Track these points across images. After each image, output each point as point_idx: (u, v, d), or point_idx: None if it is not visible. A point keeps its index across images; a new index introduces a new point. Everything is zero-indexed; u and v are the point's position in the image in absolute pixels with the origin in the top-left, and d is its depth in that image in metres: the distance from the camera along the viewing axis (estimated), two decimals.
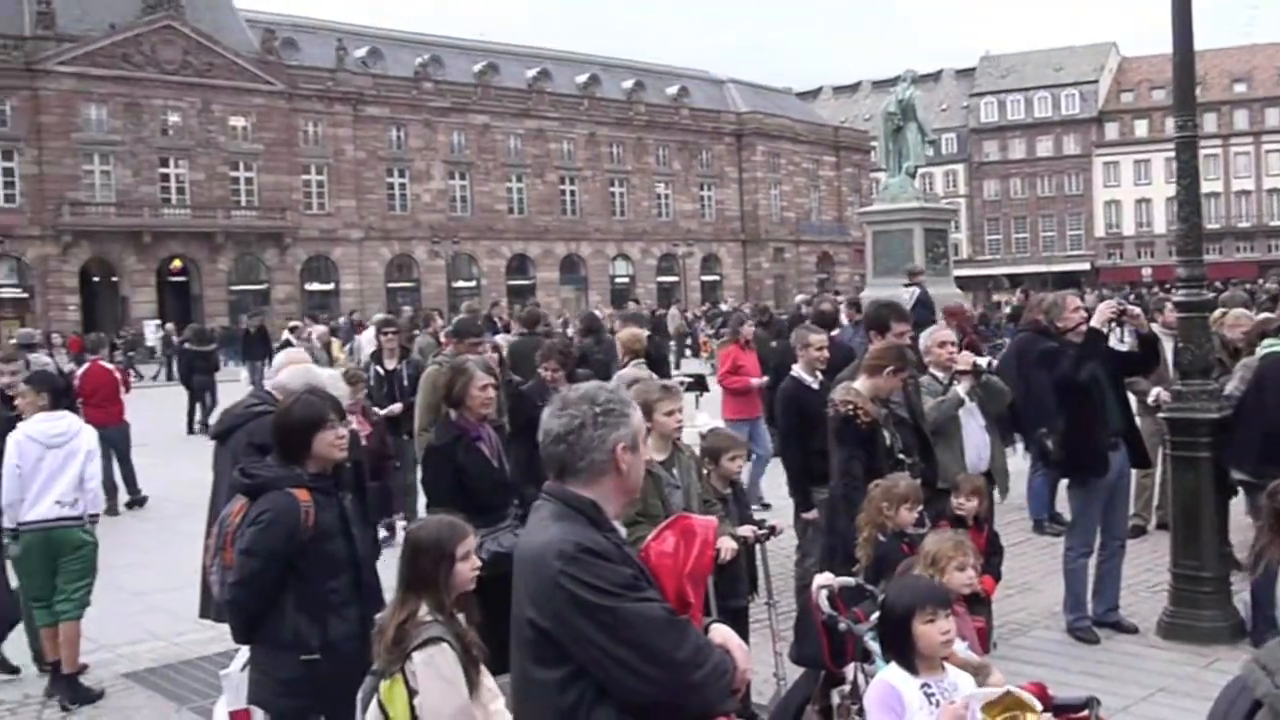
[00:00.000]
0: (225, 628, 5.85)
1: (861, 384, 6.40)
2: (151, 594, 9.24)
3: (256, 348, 24.27)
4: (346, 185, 58.40)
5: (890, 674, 3.99)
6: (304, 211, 56.77)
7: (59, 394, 7.61)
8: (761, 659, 6.18)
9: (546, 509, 2.95)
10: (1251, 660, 1.57)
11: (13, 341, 17.19)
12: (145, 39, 51.99)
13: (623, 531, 3.09)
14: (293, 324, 27.29)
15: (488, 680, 3.81)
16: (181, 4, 52.85)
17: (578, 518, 2.88)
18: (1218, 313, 9.58)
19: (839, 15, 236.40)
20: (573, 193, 67.71)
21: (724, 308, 42.30)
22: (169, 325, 44.57)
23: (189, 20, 53.10)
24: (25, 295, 49.91)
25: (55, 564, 6.99)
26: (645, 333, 11.28)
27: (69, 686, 6.87)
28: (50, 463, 6.99)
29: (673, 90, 74.75)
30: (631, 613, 2.75)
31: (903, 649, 3.98)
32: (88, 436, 7.30)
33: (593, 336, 13.20)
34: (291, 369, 6.19)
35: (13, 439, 7.06)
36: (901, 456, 6.37)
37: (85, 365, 14.38)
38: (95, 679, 7.17)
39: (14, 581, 7.08)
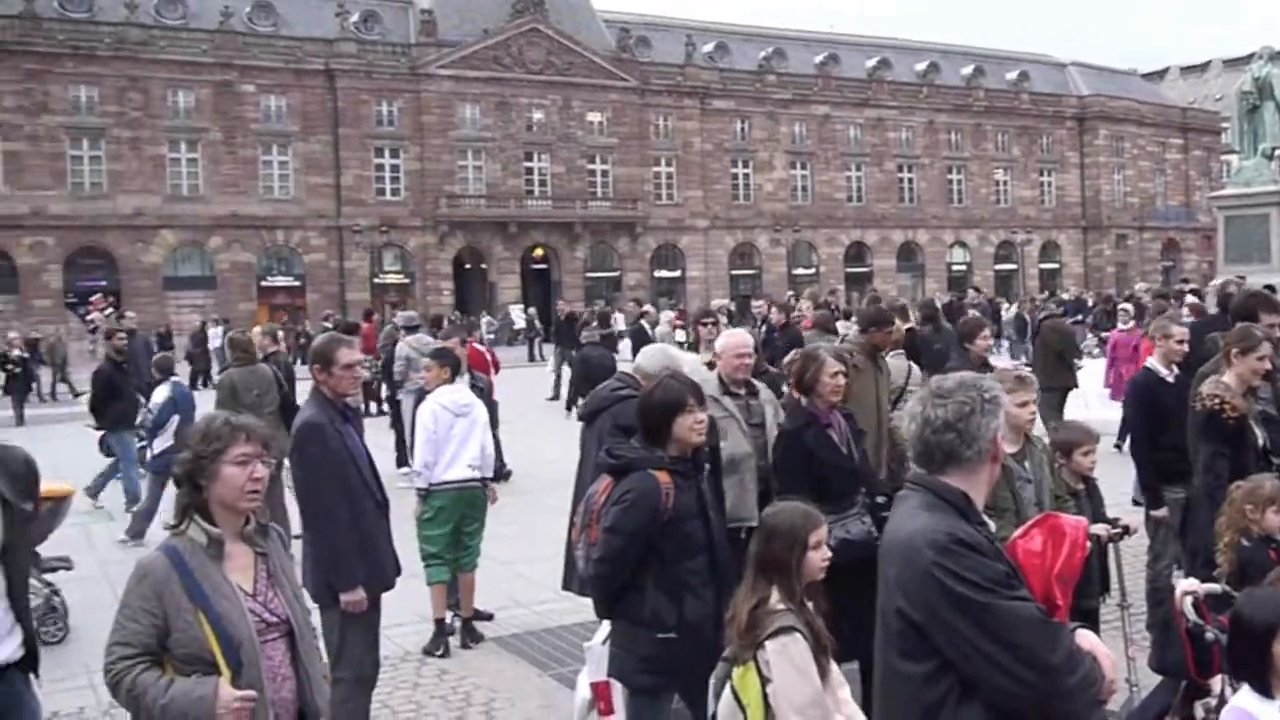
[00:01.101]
0: (586, 601, 6.14)
1: (1229, 378, 5.86)
2: (517, 563, 9.46)
3: (565, 335, 24.83)
4: (693, 176, 59.49)
5: (1244, 699, 3.57)
6: (654, 202, 58.30)
7: (457, 369, 8.20)
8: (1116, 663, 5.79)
9: (915, 498, 2.83)
10: None
11: (395, 322, 18.25)
12: (513, 41, 54.80)
13: (992, 526, 2.93)
14: (644, 309, 27.96)
15: (835, 669, 3.73)
16: (546, 7, 55.35)
17: (948, 509, 2.74)
18: None
19: None
20: (910, 180, 66.19)
21: (1065, 296, 40.18)
22: (531, 309, 46.88)
23: (552, 23, 55.59)
24: (407, 281, 53.67)
25: (459, 522, 7.51)
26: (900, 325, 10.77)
27: (467, 629, 7.48)
28: (460, 429, 7.49)
29: (1012, 75, 71.59)
30: (1006, 610, 2.61)
31: (1260, 670, 3.55)
32: (481, 408, 7.83)
33: (931, 324, 12.75)
34: (649, 351, 6.27)
35: (427, 408, 7.62)
36: (1271, 457, 5.80)
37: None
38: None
39: None
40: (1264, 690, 3.52)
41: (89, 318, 40.49)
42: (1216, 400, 5.72)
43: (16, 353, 26.40)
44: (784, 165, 62.25)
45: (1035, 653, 2.60)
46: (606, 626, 4.82)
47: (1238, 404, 5.71)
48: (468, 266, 55.11)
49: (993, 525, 2.99)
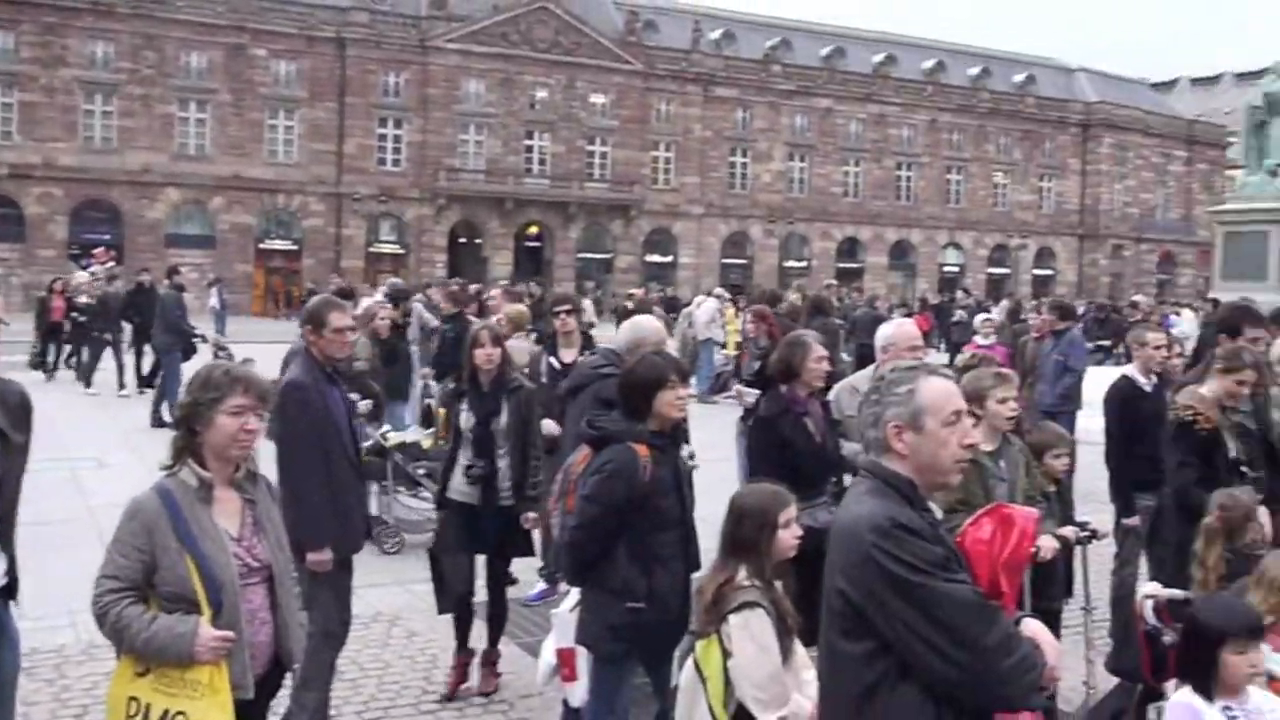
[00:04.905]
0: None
1: (1206, 390, 5.90)
2: None
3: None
4: (691, 163, 59.45)
5: (1186, 695, 3.70)
6: (650, 186, 58.23)
7: None
8: (1071, 665, 5.83)
9: (864, 484, 2.86)
10: None
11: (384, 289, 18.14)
12: (522, 19, 54.58)
13: (938, 512, 2.96)
14: (630, 291, 28.14)
15: (800, 650, 3.77)
16: None
17: (893, 494, 2.77)
18: None
19: (1203, 2, 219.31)
20: (908, 178, 66.19)
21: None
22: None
23: (562, 3, 55.40)
24: (402, 251, 53.55)
25: None
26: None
27: None
28: None
29: (1019, 78, 71.50)
30: (941, 592, 2.62)
31: (1204, 674, 3.67)
32: None
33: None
34: (625, 327, 6.40)
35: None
36: (1245, 470, 5.83)
37: None
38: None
39: None
40: (1205, 692, 3.59)
41: (90, 269, 40.55)
42: (1190, 411, 5.76)
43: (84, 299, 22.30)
44: (783, 156, 62.26)
45: (969, 634, 2.61)
46: (575, 595, 4.86)
47: (1211, 416, 5.74)
48: (462, 240, 55.03)
49: (938, 512, 3.00)
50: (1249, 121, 22.52)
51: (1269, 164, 21.60)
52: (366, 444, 7.54)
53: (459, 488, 6.15)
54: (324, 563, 5.30)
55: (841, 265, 62.55)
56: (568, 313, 8.38)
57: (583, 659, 4.81)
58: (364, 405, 8.12)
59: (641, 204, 57.44)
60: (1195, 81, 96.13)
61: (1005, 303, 30.24)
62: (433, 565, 6.33)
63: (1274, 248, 20.31)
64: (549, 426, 7.14)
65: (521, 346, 8.68)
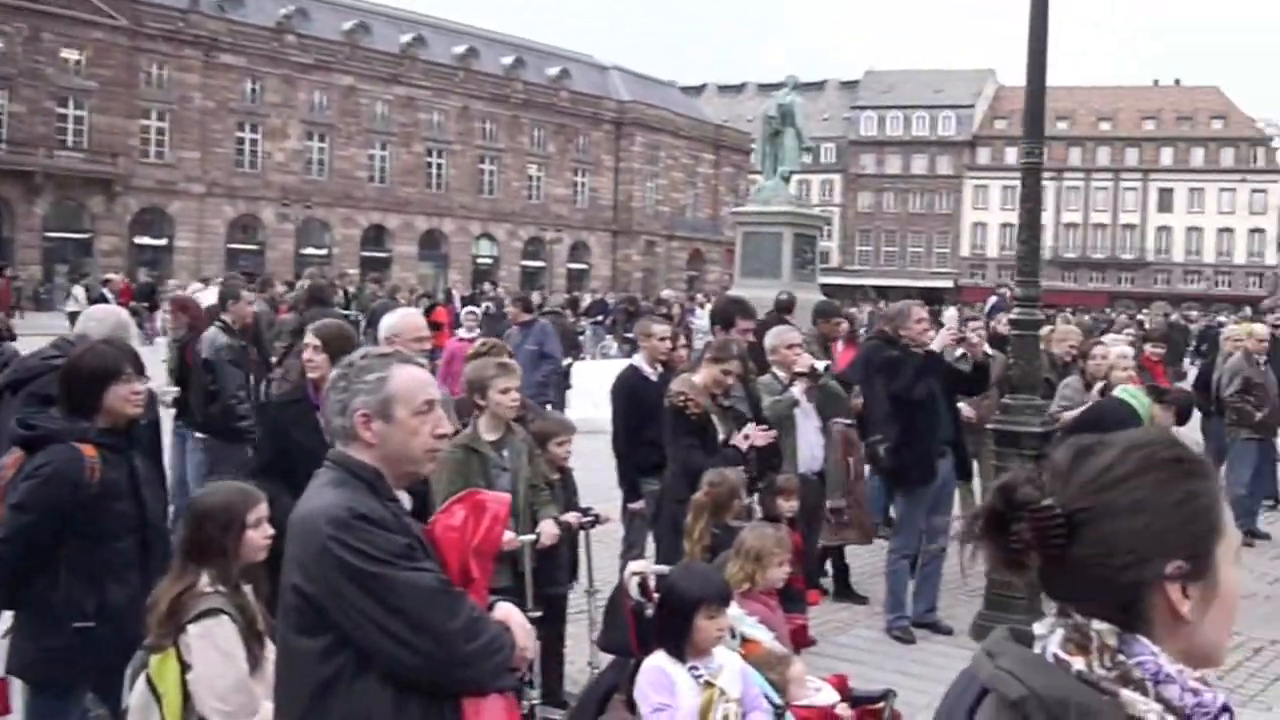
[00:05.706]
0: None
1: (698, 377, 6.71)
2: None
3: None
4: (190, 135, 56.93)
5: (659, 659, 4.27)
6: (139, 159, 55.15)
7: None
8: (579, 648, 6.39)
9: (326, 475, 2.95)
10: (980, 648, 1.65)
11: None
12: None
13: (406, 502, 3.12)
14: (106, 277, 26.96)
15: (272, 654, 3.73)
16: None
17: (358, 485, 2.89)
18: (1045, 329, 10.16)
19: (730, 14, 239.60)
20: (440, 166, 67.28)
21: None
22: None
23: None
24: None
25: None
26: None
27: None
28: None
29: (554, 71, 74.72)
30: (400, 580, 2.78)
31: (678, 637, 4.26)
32: None
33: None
34: (98, 315, 6.08)
35: None
36: (727, 448, 6.69)
37: None
38: None
39: None
40: (678, 654, 4.17)
41: None
42: (682, 397, 6.56)
43: None
44: (299, 135, 61.21)
45: (430, 621, 2.79)
46: (6, 619, 4.62)
47: (700, 401, 6.57)
48: None
49: (407, 502, 3.14)
50: (766, 130, 25.19)
51: (783, 170, 24.30)
52: None
53: None
54: None
55: (367, 254, 62.58)
56: None
57: (18, 690, 4.62)
58: None
59: (128, 178, 54.14)
60: (722, 89, 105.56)
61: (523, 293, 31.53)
62: None
63: (786, 248, 22.77)
64: None
65: None
